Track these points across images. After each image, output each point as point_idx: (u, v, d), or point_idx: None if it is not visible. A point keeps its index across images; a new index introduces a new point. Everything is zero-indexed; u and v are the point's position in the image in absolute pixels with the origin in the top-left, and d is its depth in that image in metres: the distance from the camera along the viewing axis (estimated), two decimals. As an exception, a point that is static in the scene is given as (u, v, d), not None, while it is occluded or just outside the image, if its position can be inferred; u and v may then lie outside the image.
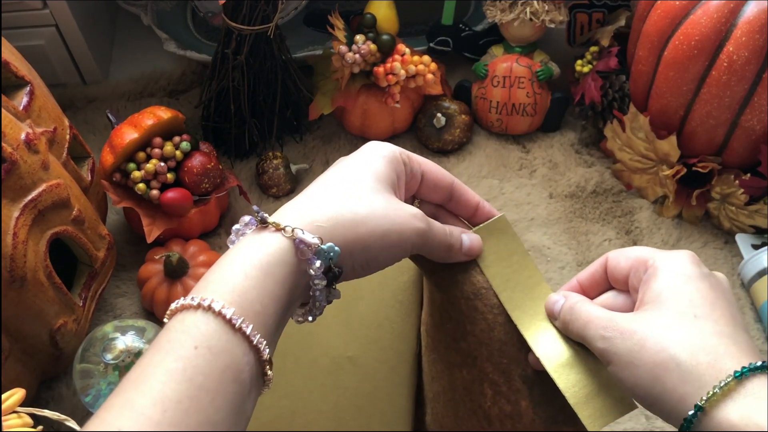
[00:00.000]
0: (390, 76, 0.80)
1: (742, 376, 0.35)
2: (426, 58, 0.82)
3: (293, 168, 0.82)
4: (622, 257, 0.43)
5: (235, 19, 0.75)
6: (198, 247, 0.73)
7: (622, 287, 0.44)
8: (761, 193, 0.74)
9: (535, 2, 0.81)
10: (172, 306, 0.35)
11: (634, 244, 0.78)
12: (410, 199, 0.46)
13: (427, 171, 0.45)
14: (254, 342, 0.34)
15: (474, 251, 0.45)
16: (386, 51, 0.81)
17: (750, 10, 0.66)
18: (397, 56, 0.81)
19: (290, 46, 0.83)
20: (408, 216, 0.40)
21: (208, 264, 0.71)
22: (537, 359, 0.43)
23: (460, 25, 0.89)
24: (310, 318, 0.40)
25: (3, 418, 0.49)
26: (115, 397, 0.32)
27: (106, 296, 0.74)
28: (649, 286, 0.40)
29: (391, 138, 0.88)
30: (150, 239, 0.72)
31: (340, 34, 0.80)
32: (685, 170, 0.75)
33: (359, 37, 0.80)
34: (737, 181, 0.73)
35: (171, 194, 0.72)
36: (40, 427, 0.51)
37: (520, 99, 0.85)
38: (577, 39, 0.90)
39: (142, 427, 0.31)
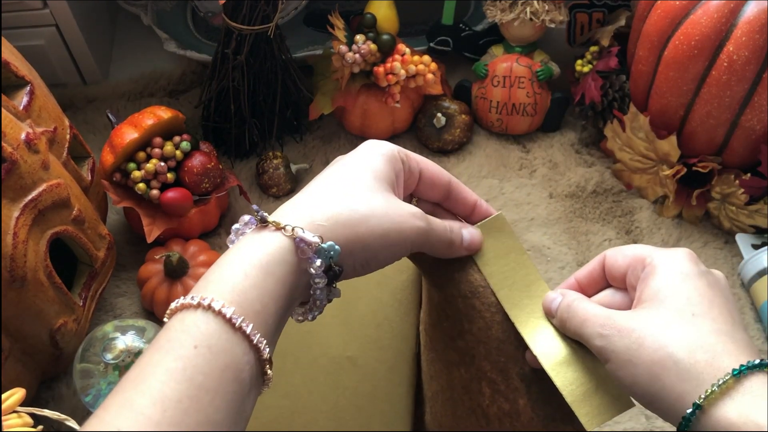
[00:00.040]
0: (390, 76, 0.80)
1: (741, 374, 0.35)
2: (426, 58, 0.82)
3: (293, 168, 0.82)
4: (620, 255, 0.43)
5: (235, 19, 0.75)
6: (198, 247, 0.73)
7: (620, 285, 0.44)
8: (761, 193, 0.74)
9: (535, 2, 0.81)
10: (172, 305, 0.35)
11: (634, 243, 0.78)
12: (408, 198, 0.46)
13: (425, 169, 0.45)
14: (254, 341, 0.34)
15: (475, 245, 0.45)
16: (386, 51, 0.81)
17: (750, 10, 0.66)
18: (397, 56, 0.81)
19: (290, 46, 0.83)
20: (408, 215, 0.40)
21: (208, 264, 0.71)
22: (534, 357, 0.43)
23: (460, 25, 0.89)
24: (310, 317, 0.40)
25: (3, 417, 0.49)
26: (115, 396, 0.32)
27: (106, 296, 0.74)
28: (646, 284, 0.40)
29: (392, 138, 0.88)
30: (150, 239, 0.72)
31: (340, 34, 0.80)
32: (685, 170, 0.75)
33: (359, 37, 0.80)
34: (737, 181, 0.73)
35: (171, 194, 0.72)
36: (40, 427, 0.51)
37: (520, 99, 0.85)
38: (577, 39, 0.90)
39: (142, 427, 0.30)
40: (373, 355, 0.54)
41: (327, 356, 0.54)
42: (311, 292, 0.38)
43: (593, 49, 0.84)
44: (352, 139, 0.88)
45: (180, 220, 0.74)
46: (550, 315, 0.44)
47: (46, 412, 0.53)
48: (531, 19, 0.81)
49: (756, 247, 0.74)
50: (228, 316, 0.34)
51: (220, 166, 0.76)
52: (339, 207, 0.39)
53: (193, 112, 0.89)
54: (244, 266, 0.36)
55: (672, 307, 0.39)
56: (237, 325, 0.34)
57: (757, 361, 0.36)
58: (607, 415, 0.42)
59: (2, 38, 0.63)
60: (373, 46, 0.80)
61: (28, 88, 0.62)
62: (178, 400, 0.31)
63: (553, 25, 0.83)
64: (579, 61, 0.85)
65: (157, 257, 0.71)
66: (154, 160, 0.72)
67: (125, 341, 0.62)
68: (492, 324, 0.45)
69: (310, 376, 0.54)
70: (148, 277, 0.71)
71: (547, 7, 0.81)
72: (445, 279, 0.46)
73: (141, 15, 0.92)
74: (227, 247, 0.39)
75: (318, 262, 0.37)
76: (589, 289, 0.46)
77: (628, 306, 0.43)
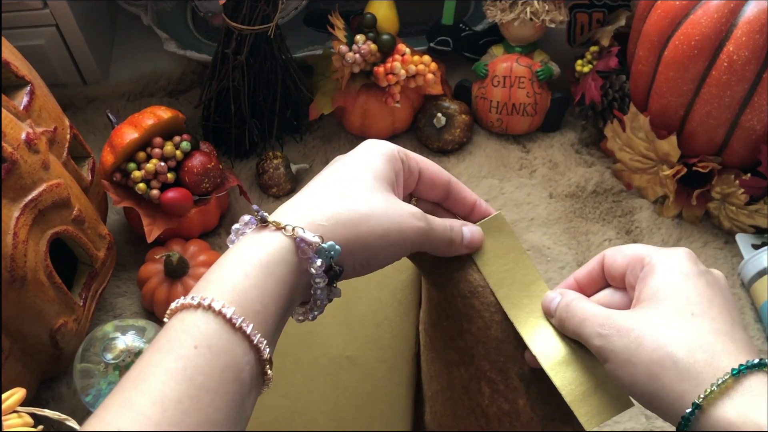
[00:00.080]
0: (390, 76, 0.80)
1: (740, 373, 0.35)
2: (426, 58, 0.82)
3: (293, 168, 0.82)
4: (619, 255, 0.43)
5: (235, 19, 0.75)
6: (198, 247, 0.73)
7: (619, 285, 0.44)
8: (761, 193, 0.74)
9: (536, 2, 0.81)
10: (172, 305, 0.35)
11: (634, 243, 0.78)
12: (408, 197, 0.46)
13: (425, 169, 0.45)
14: (254, 341, 0.34)
15: (475, 243, 0.45)
16: (386, 51, 0.81)
17: (750, 10, 0.66)
18: (397, 56, 0.81)
19: (290, 46, 0.83)
20: (407, 215, 0.40)
21: (209, 264, 0.71)
22: (533, 357, 0.43)
23: (460, 25, 0.89)
24: (310, 317, 0.40)
25: (3, 417, 0.49)
26: (115, 396, 0.32)
27: (106, 296, 0.74)
28: (645, 284, 0.40)
29: (392, 138, 0.88)
30: (150, 239, 0.72)
31: (340, 34, 0.80)
32: (685, 170, 0.75)
33: (359, 37, 0.80)
34: (737, 181, 0.73)
35: (171, 194, 0.72)
36: (40, 427, 0.51)
37: (521, 99, 0.85)
38: (577, 39, 0.90)
39: (142, 427, 0.30)
40: (372, 354, 0.54)
41: (327, 356, 0.54)
42: (312, 292, 0.39)
43: (593, 49, 0.84)
44: (352, 139, 0.88)
45: (180, 220, 0.74)
46: (549, 314, 0.44)
47: (46, 412, 0.53)
48: (531, 19, 0.81)
49: (756, 247, 0.74)
50: (228, 316, 0.34)
51: (220, 166, 0.76)
52: (339, 207, 0.39)
53: (193, 112, 0.89)
54: (244, 266, 0.36)
55: (671, 306, 0.39)
56: (237, 325, 0.34)
57: (756, 361, 0.36)
58: (606, 414, 0.42)
59: (2, 38, 0.63)
60: (373, 46, 0.80)
61: (28, 88, 0.62)
62: (178, 400, 0.31)
63: (553, 25, 0.83)
64: (579, 61, 0.85)
65: (157, 257, 0.71)
66: (154, 160, 0.72)
67: (125, 341, 0.62)
68: (491, 324, 0.45)
69: (310, 376, 0.54)
70: (148, 277, 0.71)
71: (547, 7, 0.81)
72: (445, 278, 0.46)
73: (141, 15, 0.92)
74: (227, 247, 0.39)
75: (318, 262, 0.37)
76: (588, 289, 0.46)
77: (627, 306, 0.43)
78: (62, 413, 0.53)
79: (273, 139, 0.86)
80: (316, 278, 0.38)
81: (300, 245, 0.37)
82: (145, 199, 0.73)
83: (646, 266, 0.41)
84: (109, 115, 0.77)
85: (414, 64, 0.81)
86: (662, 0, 0.72)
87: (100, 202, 0.73)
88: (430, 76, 0.82)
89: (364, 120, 0.85)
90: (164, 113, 0.73)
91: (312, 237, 0.37)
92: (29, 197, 0.56)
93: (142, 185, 0.72)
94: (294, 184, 0.83)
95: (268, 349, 0.35)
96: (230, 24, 0.75)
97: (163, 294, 0.70)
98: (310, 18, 0.96)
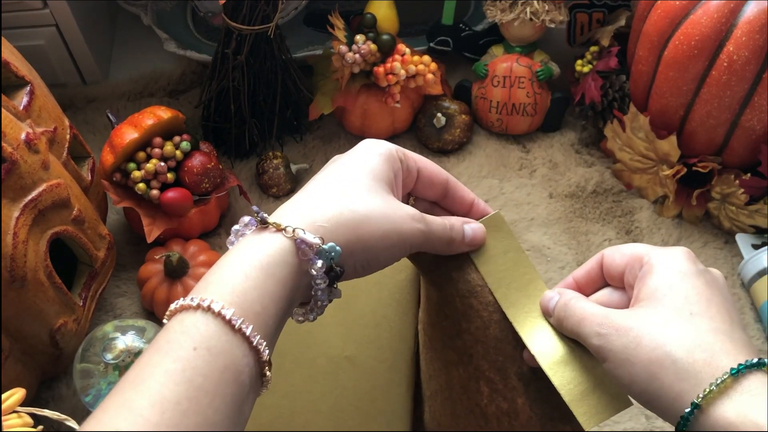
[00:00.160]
0: (390, 76, 0.80)
1: (739, 373, 0.35)
2: (426, 58, 0.82)
3: (293, 168, 0.82)
4: (618, 254, 0.43)
5: (235, 19, 0.75)
6: (198, 247, 0.73)
7: (618, 284, 0.44)
8: (761, 193, 0.74)
9: (535, 2, 0.81)
10: (172, 306, 0.35)
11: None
12: (406, 197, 0.46)
13: (423, 168, 0.45)
14: (254, 343, 0.34)
15: (477, 240, 0.45)
16: (386, 51, 0.81)
17: (750, 10, 0.66)
18: (397, 56, 0.81)
19: (290, 46, 0.83)
20: (407, 217, 0.40)
21: (208, 264, 0.71)
22: (532, 356, 0.43)
23: (460, 25, 0.89)
24: (311, 317, 0.40)
25: (3, 417, 0.49)
26: (114, 397, 0.32)
27: (106, 296, 0.74)
28: (644, 283, 0.40)
29: (392, 138, 0.88)
30: (150, 239, 0.72)
31: (340, 34, 0.80)
32: (685, 170, 0.75)
33: (359, 37, 0.80)
34: (737, 181, 0.73)
35: (171, 194, 0.72)
36: (40, 427, 0.51)
37: (520, 99, 0.85)
38: (577, 39, 0.90)
39: (140, 428, 0.30)
40: (371, 354, 0.54)
41: (326, 356, 0.54)
42: (312, 293, 0.39)
43: (593, 49, 0.84)
44: (352, 139, 0.88)
45: (180, 220, 0.74)
46: (547, 314, 0.44)
47: (46, 412, 0.53)
48: (531, 19, 0.81)
49: (756, 247, 0.74)
50: (228, 317, 0.34)
51: (220, 166, 0.76)
52: (339, 207, 0.39)
53: (193, 112, 0.89)
54: (244, 267, 0.36)
55: (670, 305, 0.39)
56: (237, 326, 0.34)
57: (755, 360, 0.36)
58: (605, 414, 0.42)
59: (2, 38, 0.63)
60: (373, 46, 0.80)
61: (28, 88, 0.62)
62: (176, 402, 0.31)
63: (553, 25, 0.82)
64: (579, 61, 0.85)
65: (157, 257, 0.71)
66: (154, 160, 0.72)
67: (125, 341, 0.62)
68: (490, 323, 0.45)
69: (309, 375, 0.54)
70: (148, 277, 0.71)
71: (547, 7, 0.81)
72: (443, 278, 0.46)
73: (141, 15, 0.92)
74: (227, 247, 0.39)
75: (319, 263, 0.37)
76: (587, 288, 0.46)
77: (626, 305, 0.43)
78: (62, 413, 0.53)
79: (273, 139, 0.86)
80: (316, 279, 0.38)
81: (300, 247, 0.37)
82: (145, 199, 0.73)
83: (645, 265, 0.41)
84: (109, 115, 0.77)
85: (414, 64, 0.81)
86: (662, 0, 0.71)
87: (100, 202, 0.73)
88: (430, 76, 0.82)
89: (364, 120, 0.85)
90: (164, 113, 0.73)
91: (313, 238, 0.37)
92: (29, 197, 0.56)
93: (142, 185, 0.72)
94: (294, 184, 0.83)
95: (267, 351, 0.35)
96: (230, 24, 0.75)
97: (163, 294, 0.70)
98: (310, 18, 0.96)
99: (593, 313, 0.41)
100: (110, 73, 0.96)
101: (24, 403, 0.51)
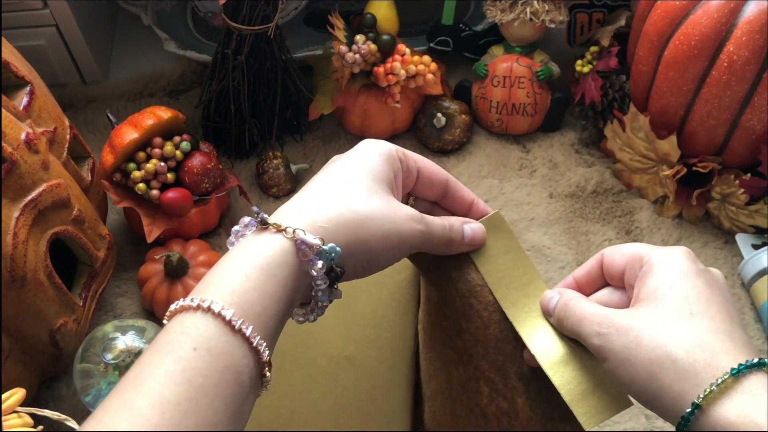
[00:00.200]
0: (390, 76, 0.80)
1: (739, 373, 0.35)
2: (426, 58, 0.82)
3: (293, 168, 0.82)
4: (618, 254, 0.43)
5: (235, 19, 0.75)
6: (198, 247, 0.73)
7: (618, 284, 0.44)
8: (761, 193, 0.74)
9: (535, 2, 0.81)
10: (172, 307, 0.35)
11: (634, 243, 0.78)
12: (406, 197, 0.46)
13: (423, 168, 0.45)
14: (254, 344, 0.34)
15: (477, 240, 0.45)
16: (386, 51, 0.81)
17: (750, 10, 0.66)
18: (397, 56, 0.81)
19: (290, 46, 0.83)
20: (407, 218, 0.40)
21: (208, 264, 0.71)
22: (532, 356, 0.43)
23: (460, 25, 0.89)
24: (311, 318, 0.40)
25: (3, 417, 0.49)
26: (113, 397, 0.32)
27: (106, 296, 0.74)
28: (644, 283, 0.40)
29: (392, 138, 0.88)
30: (150, 239, 0.72)
31: (340, 34, 0.80)
32: (685, 170, 0.75)
33: (359, 37, 0.80)
34: (737, 181, 0.73)
35: (171, 194, 0.72)
36: (40, 427, 0.51)
37: (520, 99, 0.85)
38: (577, 39, 0.90)
39: (140, 428, 0.30)
40: (371, 354, 0.54)
41: (326, 356, 0.54)
42: (312, 293, 0.39)
43: (593, 49, 0.84)
44: (352, 139, 0.88)
45: (180, 220, 0.74)
46: (547, 314, 0.44)
47: (46, 412, 0.53)
48: (531, 19, 0.81)
49: (756, 247, 0.74)
50: (228, 318, 0.34)
51: (220, 166, 0.76)
52: (340, 208, 0.39)
53: (193, 112, 0.89)
54: (244, 268, 0.36)
55: (670, 305, 0.39)
56: (237, 327, 0.34)
57: (756, 360, 0.36)
58: (605, 414, 0.42)
59: (2, 38, 0.63)
60: (373, 46, 0.80)
61: (28, 88, 0.62)
62: (176, 402, 0.31)
63: (553, 25, 0.82)
64: (579, 61, 0.85)
65: (157, 257, 0.71)
66: (154, 160, 0.72)
67: (125, 341, 0.62)
68: (490, 323, 0.45)
69: (309, 375, 0.54)
70: (148, 277, 0.71)
71: (547, 7, 0.81)
72: (443, 278, 0.46)
73: (141, 15, 0.92)
74: (227, 248, 0.39)
75: (319, 264, 0.37)
76: (587, 288, 0.46)
77: (626, 304, 0.43)
78: (62, 413, 0.53)
79: (273, 139, 0.86)
80: (317, 280, 0.38)
81: (301, 247, 0.37)
82: (145, 199, 0.73)
83: (645, 265, 0.41)
84: (109, 115, 0.77)
85: (414, 64, 0.81)
86: (662, 0, 0.71)
87: (100, 202, 0.73)
88: (430, 76, 0.82)
89: (364, 120, 0.85)
90: (164, 113, 0.73)
91: (313, 239, 0.37)
92: (29, 197, 0.56)
93: (142, 185, 0.72)
94: (294, 184, 0.83)
95: (267, 352, 0.35)
96: (230, 24, 0.75)
97: (163, 294, 0.70)
98: (310, 18, 0.96)
99: (593, 313, 0.41)
100: (110, 73, 0.96)
101: (24, 403, 0.51)
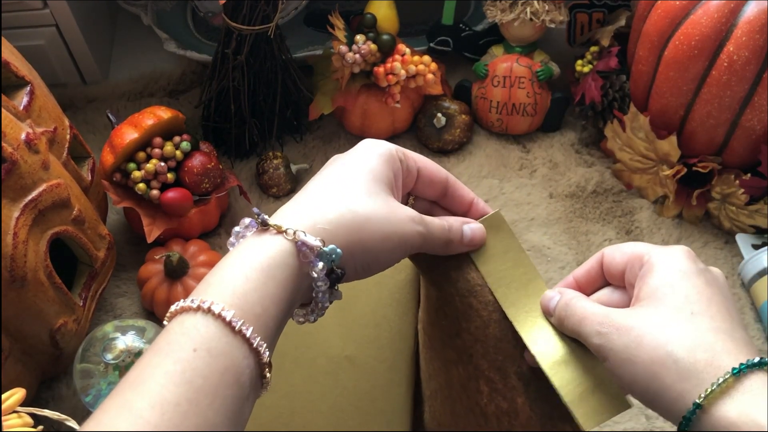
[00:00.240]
0: (390, 76, 0.80)
1: (740, 373, 0.35)
2: (426, 58, 0.82)
3: (293, 168, 0.82)
4: (618, 253, 0.43)
5: (235, 19, 0.75)
6: (198, 247, 0.73)
7: (619, 283, 0.44)
8: (761, 193, 0.74)
9: (536, 2, 0.81)
10: (172, 308, 0.35)
11: (634, 243, 0.78)
12: (405, 196, 0.46)
13: (423, 167, 0.45)
14: (254, 345, 0.34)
15: (477, 241, 0.45)
16: (386, 51, 0.81)
17: (750, 10, 0.66)
18: (397, 56, 0.81)
19: (290, 46, 0.83)
20: (407, 219, 0.40)
21: (209, 264, 0.71)
22: (532, 356, 0.43)
23: (461, 25, 0.89)
24: (311, 318, 0.40)
25: (3, 417, 0.49)
26: (113, 398, 0.32)
27: (106, 296, 0.74)
28: (645, 282, 0.40)
29: (392, 138, 0.88)
30: (150, 239, 0.72)
31: (340, 34, 0.80)
32: (685, 170, 0.75)
33: (359, 37, 0.80)
34: (737, 181, 0.73)
35: (171, 194, 0.72)
36: (40, 427, 0.51)
37: (521, 99, 0.85)
38: (577, 39, 0.90)
39: (140, 429, 0.30)
40: (371, 354, 0.54)
41: (326, 356, 0.54)
42: (313, 295, 0.39)
43: (593, 49, 0.84)
44: (352, 139, 0.88)
45: (180, 220, 0.74)
46: (548, 313, 0.44)
47: (46, 412, 0.53)
48: (531, 19, 0.81)
49: (756, 247, 0.74)
50: (228, 319, 0.34)
51: (220, 166, 0.76)
52: (340, 209, 0.39)
53: (193, 112, 0.89)
54: (244, 269, 0.36)
55: (671, 305, 0.39)
56: (237, 328, 0.34)
57: (757, 360, 0.36)
58: (605, 415, 0.42)
59: (2, 38, 0.63)
60: (373, 46, 0.80)
61: (28, 88, 0.62)
62: (176, 403, 0.31)
63: (553, 25, 0.82)
64: (579, 61, 0.85)
65: (157, 257, 0.71)
66: (154, 160, 0.72)
67: (125, 341, 0.62)
68: (489, 323, 0.45)
69: (309, 375, 0.54)
70: (148, 277, 0.71)
71: (547, 7, 0.81)
72: (443, 277, 0.46)
73: (141, 15, 0.92)
74: (227, 248, 0.39)
75: (320, 265, 0.37)
76: (587, 288, 0.46)
77: (627, 304, 0.43)
78: (62, 413, 0.53)
79: (273, 139, 0.86)
80: (317, 281, 0.38)
81: (301, 249, 0.37)
82: (145, 199, 0.73)
83: (645, 264, 0.41)
84: (109, 115, 0.77)
85: (414, 64, 0.81)
86: (662, 0, 0.71)
87: (100, 202, 0.73)
88: (430, 76, 0.82)
89: (364, 120, 0.85)
90: (164, 113, 0.73)
91: (313, 240, 0.37)
92: (29, 197, 0.56)
93: (142, 185, 0.72)
94: (294, 184, 0.83)
95: (267, 353, 0.35)
96: (230, 24, 0.75)
97: (163, 294, 0.70)
98: (310, 18, 0.96)
99: (594, 313, 0.41)
100: (110, 73, 0.96)
101: (24, 403, 0.51)
